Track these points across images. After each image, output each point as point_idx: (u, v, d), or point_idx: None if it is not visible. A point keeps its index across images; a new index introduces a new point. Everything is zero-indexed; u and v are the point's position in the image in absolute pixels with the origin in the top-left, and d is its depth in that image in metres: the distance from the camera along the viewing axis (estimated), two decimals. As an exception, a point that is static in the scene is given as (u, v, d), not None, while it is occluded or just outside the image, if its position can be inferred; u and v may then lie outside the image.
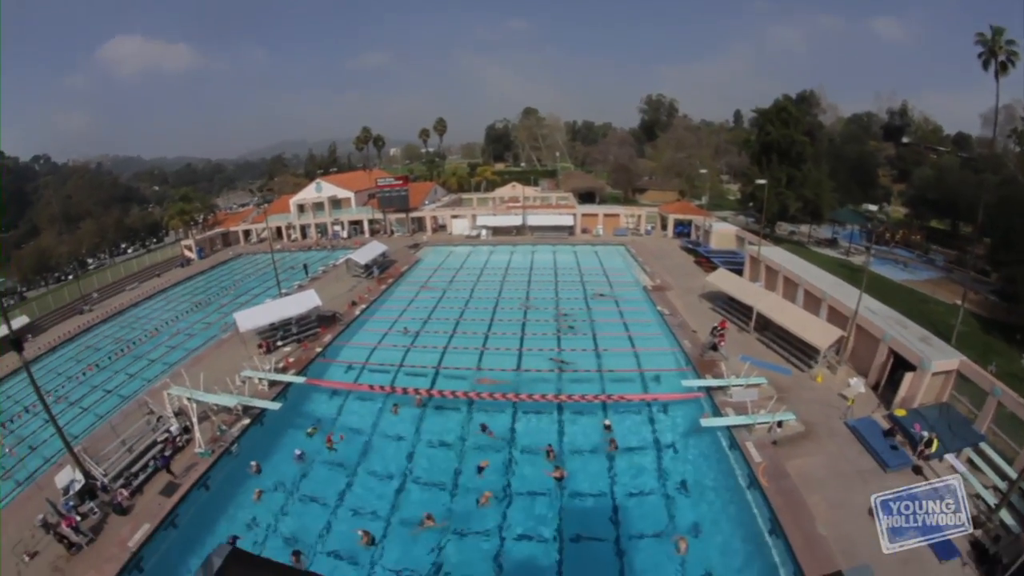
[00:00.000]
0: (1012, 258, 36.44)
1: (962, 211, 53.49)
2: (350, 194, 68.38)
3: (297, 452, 20.81)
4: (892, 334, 22.37)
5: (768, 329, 28.84)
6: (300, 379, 26.03)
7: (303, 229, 66.95)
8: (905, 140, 78.47)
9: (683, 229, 56.29)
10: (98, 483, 18.15)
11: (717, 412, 21.91)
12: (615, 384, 25.77)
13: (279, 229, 66.73)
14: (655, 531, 16.73)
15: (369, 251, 46.87)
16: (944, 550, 13.90)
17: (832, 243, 60.62)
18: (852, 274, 37.48)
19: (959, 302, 33.53)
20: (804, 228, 63.75)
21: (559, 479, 19.06)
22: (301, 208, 67.83)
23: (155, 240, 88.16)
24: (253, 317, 30.19)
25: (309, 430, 22.69)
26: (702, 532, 16.60)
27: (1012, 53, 38.10)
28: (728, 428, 20.54)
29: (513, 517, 17.60)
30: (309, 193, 68.23)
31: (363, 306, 37.51)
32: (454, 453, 21.24)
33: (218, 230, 69.08)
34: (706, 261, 45.38)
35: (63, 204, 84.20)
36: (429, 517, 17.13)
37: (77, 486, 17.87)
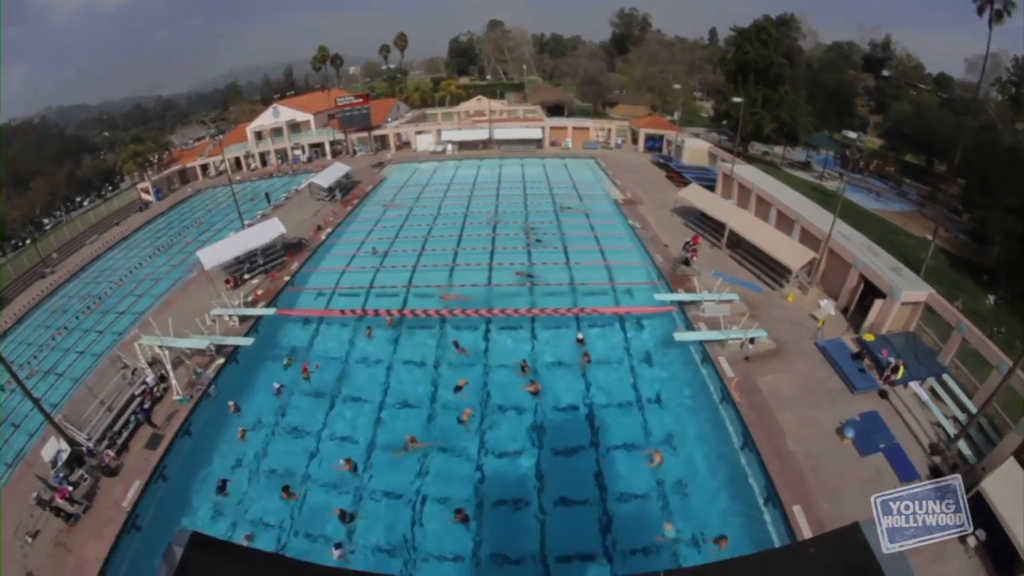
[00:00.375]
0: (985, 202, 37.24)
1: (938, 149, 54.14)
2: (309, 116, 64.92)
3: (276, 386, 20.58)
4: (864, 260, 22.52)
5: (740, 247, 28.93)
6: (270, 311, 25.48)
7: (262, 157, 63.52)
8: (885, 73, 77.04)
9: (654, 144, 55.39)
10: (84, 448, 17.66)
11: (690, 327, 22.23)
12: (587, 298, 25.92)
13: (238, 159, 63.11)
14: (630, 443, 17.25)
15: (332, 173, 45.01)
16: (905, 473, 14.89)
17: (805, 166, 60.69)
18: (825, 198, 37.72)
19: (930, 237, 33.93)
20: (778, 150, 63.42)
21: (535, 393, 19.37)
22: (259, 135, 63.95)
23: (110, 188, 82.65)
24: (217, 253, 28.89)
25: (284, 362, 22.34)
26: (676, 445, 17.11)
27: (1009, 2, 37.17)
28: (701, 343, 20.92)
29: (492, 433, 18.00)
30: (266, 119, 64.20)
31: (329, 230, 36.52)
32: (430, 373, 21.29)
33: (175, 168, 64.95)
34: (677, 176, 44.95)
35: (10, 166, 77.57)
36: (412, 440, 17.38)
37: (64, 456, 17.40)
